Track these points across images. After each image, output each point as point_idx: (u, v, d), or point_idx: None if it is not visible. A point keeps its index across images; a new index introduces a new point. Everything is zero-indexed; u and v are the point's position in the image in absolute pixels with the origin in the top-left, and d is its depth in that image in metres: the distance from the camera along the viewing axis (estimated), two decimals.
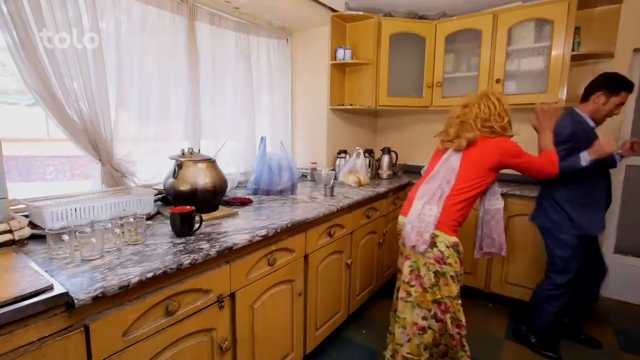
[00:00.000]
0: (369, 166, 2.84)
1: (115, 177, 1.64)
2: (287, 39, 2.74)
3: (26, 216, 1.26)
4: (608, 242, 2.58)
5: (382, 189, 2.38)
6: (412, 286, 1.56)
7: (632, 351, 2.01)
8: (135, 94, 1.73)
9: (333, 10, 2.59)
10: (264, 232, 1.37)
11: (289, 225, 1.50)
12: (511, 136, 1.60)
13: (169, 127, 1.95)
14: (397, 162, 3.02)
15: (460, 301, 1.54)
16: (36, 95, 1.33)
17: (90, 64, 1.49)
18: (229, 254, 1.25)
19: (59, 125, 1.41)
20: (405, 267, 1.57)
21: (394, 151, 2.97)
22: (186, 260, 1.06)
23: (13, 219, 1.14)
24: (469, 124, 1.57)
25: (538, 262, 2.27)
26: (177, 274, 1.06)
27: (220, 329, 1.23)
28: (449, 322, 1.52)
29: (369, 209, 2.21)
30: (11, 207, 1.18)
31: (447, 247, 1.49)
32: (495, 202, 1.70)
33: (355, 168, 2.56)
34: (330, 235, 1.83)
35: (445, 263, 1.49)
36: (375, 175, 2.96)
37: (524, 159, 1.58)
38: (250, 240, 1.30)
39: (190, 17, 1.95)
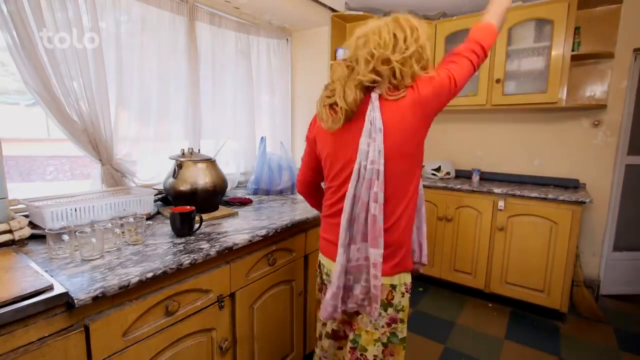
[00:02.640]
0: None
1: (115, 177, 1.64)
2: (287, 39, 2.74)
3: (26, 216, 1.25)
4: (608, 241, 2.58)
5: None
6: None
7: (632, 351, 2.01)
8: (135, 94, 1.73)
9: (333, 10, 2.59)
10: (264, 232, 1.36)
11: (289, 225, 1.50)
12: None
13: (169, 127, 1.95)
14: None
15: None
16: (36, 95, 1.33)
17: (90, 64, 1.48)
18: (229, 254, 1.25)
19: (59, 125, 1.41)
20: (348, 341, 1.09)
21: None
22: (186, 260, 1.06)
23: (13, 219, 1.14)
24: (358, 70, 0.97)
25: (538, 262, 2.27)
26: (177, 274, 1.06)
27: (220, 329, 1.23)
28: None
29: None
30: (11, 207, 1.18)
31: (403, 294, 1.04)
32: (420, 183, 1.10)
33: None
34: None
35: (396, 320, 1.03)
36: None
37: (453, 80, 0.98)
38: (250, 240, 1.30)
39: (190, 17, 1.95)
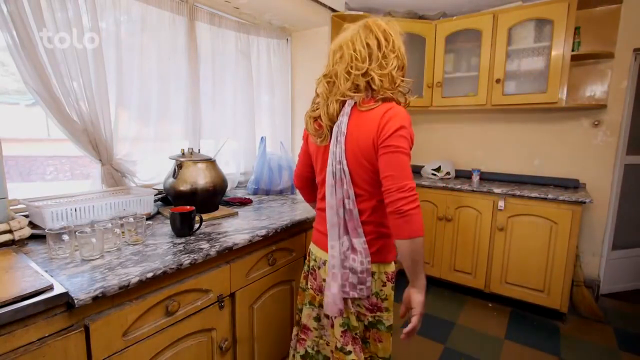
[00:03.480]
0: None
1: (115, 177, 1.64)
2: (287, 39, 2.74)
3: (26, 216, 1.26)
4: (607, 241, 2.58)
5: None
6: (349, 352, 1.06)
7: (632, 351, 2.01)
8: (135, 94, 1.73)
9: (333, 10, 2.59)
10: (264, 232, 1.37)
11: (288, 225, 1.50)
12: (406, 104, 1.04)
13: (169, 127, 1.95)
14: None
15: None
16: (36, 95, 1.33)
17: (90, 64, 1.48)
18: (229, 254, 1.25)
19: (59, 125, 1.41)
20: (336, 327, 1.09)
21: None
22: (186, 260, 1.06)
23: (13, 219, 1.14)
24: (339, 85, 1.01)
25: (538, 262, 2.27)
26: (177, 274, 1.06)
27: (220, 329, 1.23)
28: None
29: None
30: (11, 207, 1.18)
31: (384, 283, 1.08)
32: None
33: None
34: None
35: (380, 309, 1.09)
36: None
37: (405, 147, 0.95)
38: (250, 240, 1.30)
39: (190, 17, 1.95)
